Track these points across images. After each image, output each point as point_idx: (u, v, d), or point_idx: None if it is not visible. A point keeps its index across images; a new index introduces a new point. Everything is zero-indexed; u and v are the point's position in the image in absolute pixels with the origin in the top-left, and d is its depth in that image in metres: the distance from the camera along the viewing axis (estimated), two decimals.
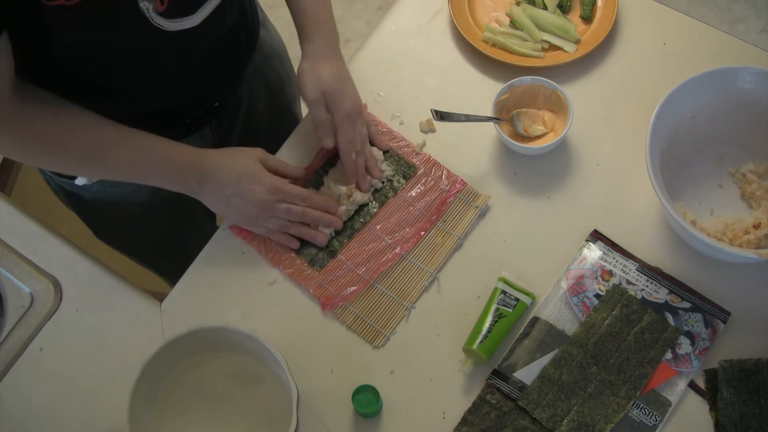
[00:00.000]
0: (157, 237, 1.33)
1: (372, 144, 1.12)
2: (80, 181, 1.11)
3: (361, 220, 1.09)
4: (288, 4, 1.10)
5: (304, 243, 1.08)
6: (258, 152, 1.05)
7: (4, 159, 2.27)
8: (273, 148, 1.14)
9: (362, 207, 1.10)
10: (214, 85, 1.11)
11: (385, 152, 1.13)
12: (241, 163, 1.02)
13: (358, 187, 1.10)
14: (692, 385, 0.96)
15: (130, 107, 1.01)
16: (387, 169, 1.12)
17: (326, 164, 1.13)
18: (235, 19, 1.06)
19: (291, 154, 1.15)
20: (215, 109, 1.14)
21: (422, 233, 1.07)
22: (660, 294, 1.01)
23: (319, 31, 1.08)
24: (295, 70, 1.12)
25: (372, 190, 1.11)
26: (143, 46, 0.92)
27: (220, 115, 1.18)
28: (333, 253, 1.07)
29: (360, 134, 1.09)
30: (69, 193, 1.17)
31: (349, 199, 1.08)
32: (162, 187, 1.03)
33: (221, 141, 1.21)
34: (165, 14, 0.87)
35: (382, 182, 1.11)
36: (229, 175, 1.01)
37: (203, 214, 1.36)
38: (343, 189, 1.09)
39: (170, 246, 1.33)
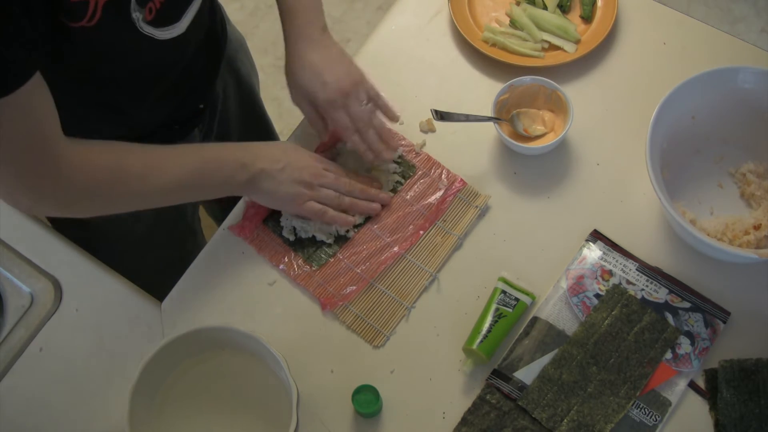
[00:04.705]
0: (160, 257, 1.32)
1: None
2: None
3: (360, 219, 1.09)
4: None
5: (301, 242, 1.08)
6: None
7: None
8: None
9: None
10: (199, 87, 1.11)
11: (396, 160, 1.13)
12: (280, 143, 1.08)
13: (378, 157, 1.10)
14: (692, 385, 0.96)
15: (131, 127, 1.02)
16: (395, 174, 1.12)
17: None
18: (211, 17, 1.08)
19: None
20: (201, 110, 1.15)
21: (421, 232, 1.07)
22: (660, 294, 1.01)
23: (299, 11, 1.08)
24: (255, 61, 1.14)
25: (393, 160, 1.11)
26: (141, 59, 0.92)
27: (204, 117, 1.18)
28: (331, 252, 1.07)
29: (355, 114, 1.08)
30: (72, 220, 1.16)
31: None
32: (220, 190, 1.02)
33: (204, 141, 1.22)
34: (153, 23, 0.88)
35: (396, 183, 1.11)
36: (277, 150, 1.05)
37: (201, 233, 1.37)
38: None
39: (174, 267, 1.33)
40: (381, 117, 1.12)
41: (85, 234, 1.16)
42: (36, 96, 0.78)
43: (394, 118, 1.12)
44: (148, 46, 0.90)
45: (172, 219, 1.25)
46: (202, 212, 1.49)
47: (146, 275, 1.35)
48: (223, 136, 1.26)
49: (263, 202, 1.07)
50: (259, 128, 1.43)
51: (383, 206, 1.09)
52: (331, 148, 1.14)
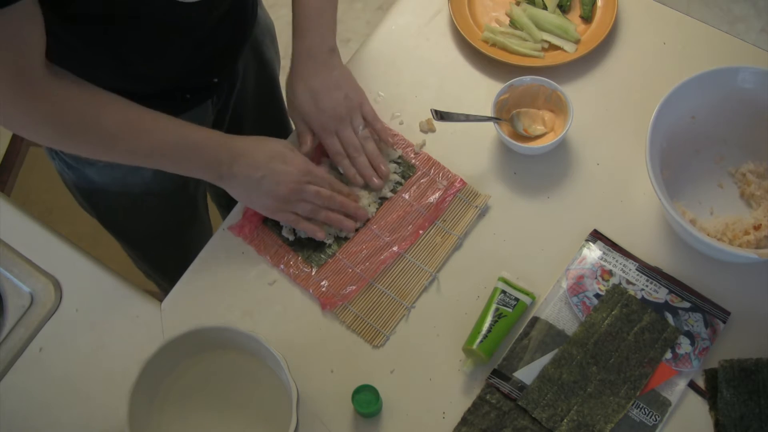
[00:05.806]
0: (159, 225, 1.31)
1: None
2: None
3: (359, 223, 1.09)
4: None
5: (301, 242, 1.08)
6: (285, 141, 1.07)
7: (5, 159, 2.27)
8: (261, 129, 1.14)
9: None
10: (215, 60, 1.10)
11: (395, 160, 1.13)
12: (271, 145, 1.04)
13: (369, 183, 1.10)
14: (692, 385, 0.96)
15: (136, 82, 1.00)
16: (395, 174, 1.11)
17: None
18: None
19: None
20: (215, 84, 1.14)
21: (420, 232, 1.07)
22: (660, 294, 1.01)
23: (309, 31, 1.08)
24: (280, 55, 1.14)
25: (385, 187, 1.10)
26: (156, 14, 0.91)
27: (219, 91, 1.18)
28: (331, 252, 1.07)
29: (347, 140, 1.09)
30: (75, 172, 1.15)
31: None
32: (189, 173, 1.01)
33: (217, 117, 1.22)
34: None
35: (392, 189, 1.11)
36: (261, 155, 1.02)
37: (205, 207, 1.36)
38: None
39: (171, 236, 1.33)
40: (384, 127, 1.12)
41: (86, 184, 1.16)
42: (24, 19, 0.79)
43: (387, 143, 1.12)
44: (163, 4, 0.89)
45: (171, 185, 1.22)
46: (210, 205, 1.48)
47: (139, 238, 1.34)
48: (239, 116, 1.26)
49: (236, 198, 1.07)
50: (275, 116, 1.42)
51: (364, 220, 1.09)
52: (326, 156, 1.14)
